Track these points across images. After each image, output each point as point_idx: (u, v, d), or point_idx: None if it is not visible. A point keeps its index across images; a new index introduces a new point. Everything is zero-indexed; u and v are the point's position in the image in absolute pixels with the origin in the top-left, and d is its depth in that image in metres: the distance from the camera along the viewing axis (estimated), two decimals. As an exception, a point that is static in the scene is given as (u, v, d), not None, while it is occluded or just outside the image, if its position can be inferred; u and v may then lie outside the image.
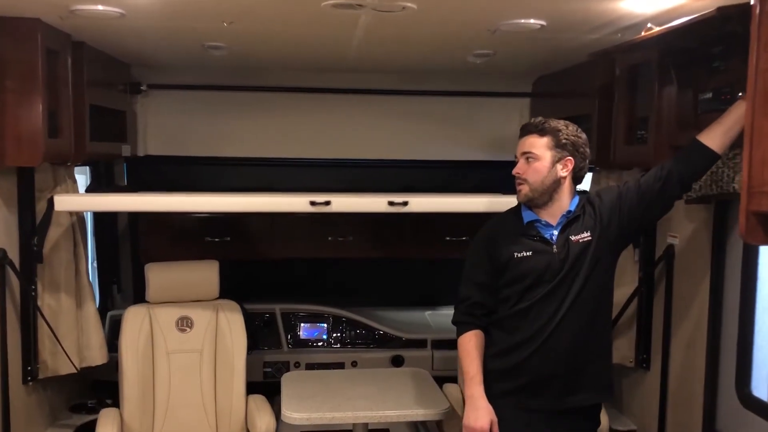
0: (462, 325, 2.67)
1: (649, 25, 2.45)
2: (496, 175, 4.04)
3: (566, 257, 2.50)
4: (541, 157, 2.51)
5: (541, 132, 2.53)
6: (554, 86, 4.15)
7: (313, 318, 4.43)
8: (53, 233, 3.24)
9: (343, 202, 3.24)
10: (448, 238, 4.44)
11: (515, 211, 2.65)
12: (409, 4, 2.40)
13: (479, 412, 2.53)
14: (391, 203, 3.24)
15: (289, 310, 4.41)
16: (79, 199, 3.33)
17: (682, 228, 3.19)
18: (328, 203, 3.19)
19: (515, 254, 2.54)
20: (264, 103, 4.35)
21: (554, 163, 2.51)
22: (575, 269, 2.50)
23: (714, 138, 2.43)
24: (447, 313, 4.58)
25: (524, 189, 2.54)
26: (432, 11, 2.52)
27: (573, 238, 2.52)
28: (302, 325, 4.41)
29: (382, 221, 4.34)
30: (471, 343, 2.62)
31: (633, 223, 2.57)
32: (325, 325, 4.42)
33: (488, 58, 3.53)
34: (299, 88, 4.30)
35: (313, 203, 3.18)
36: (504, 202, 2.84)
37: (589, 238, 2.52)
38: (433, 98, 4.45)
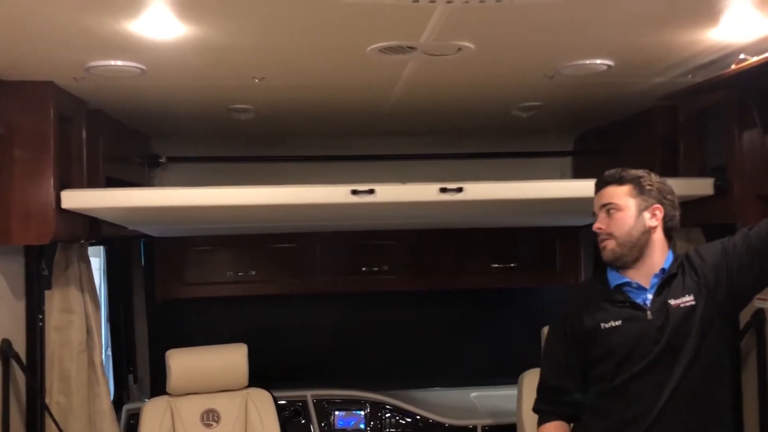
0: (542, 414, 2.29)
1: (742, 56, 2.16)
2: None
3: (664, 325, 2.11)
4: (624, 207, 2.17)
5: (620, 181, 2.20)
6: (602, 142, 3.85)
7: (349, 404, 3.99)
8: (62, 320, 2.89)
9: (389, 191, 2.82)
10: (494, 265, 4.12)
11: (600, 276, 2.29)
12: (466, 44, 2.13)
13: None
14: (443, 190, 2.78)
15: (322, 397, 3.99)
16: (93, 194, 2.75)
17: (773, 288, 2.81)
18: (371, 192, 2.76)
19: (602, 324, 2.16)
20: (289, 175, 4.07)
21: (641, 211, 2.17)
22: (678, 341, 2.10)
23: None
24: (495, 394, 4.29)
25: (609, 245, 2.18)
26: (490, 52, 2.24)
27: (672, 302, 2.14)
28: (337, 413, 3.97)
29: (420, 247, 4.11)
30: None
31: (746, 284, 2.16)
32: (362, 412, 3.98)
33: (534, 111, 3.26)
34: (326, 157, 4.06)
35: (355, 192, 2.76)
36: (581, 187, 2.50)
37: (693, 302, 2.13)
38: (468, 161, 4.18)
